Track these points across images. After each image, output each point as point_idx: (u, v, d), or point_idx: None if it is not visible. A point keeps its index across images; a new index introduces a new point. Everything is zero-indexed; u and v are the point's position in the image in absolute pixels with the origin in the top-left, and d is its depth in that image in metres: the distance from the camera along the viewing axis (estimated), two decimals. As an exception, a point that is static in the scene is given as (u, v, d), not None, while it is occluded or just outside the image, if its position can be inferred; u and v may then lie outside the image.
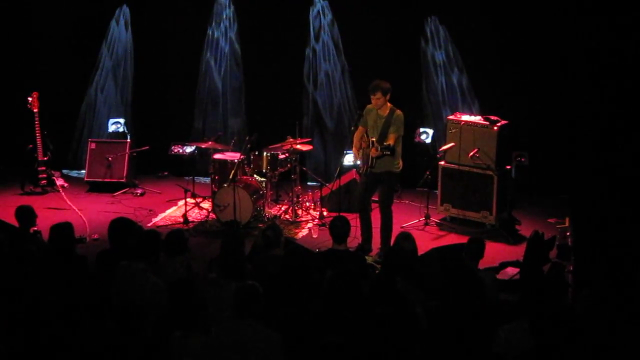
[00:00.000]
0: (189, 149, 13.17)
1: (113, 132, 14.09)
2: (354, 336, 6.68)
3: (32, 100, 13.01)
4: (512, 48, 12.95)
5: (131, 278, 7.81)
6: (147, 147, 13.63)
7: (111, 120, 14.18)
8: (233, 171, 11.73)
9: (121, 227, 8.47)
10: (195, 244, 11.13)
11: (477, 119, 12.06)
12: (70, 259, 8.23)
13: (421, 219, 12.05)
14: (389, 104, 10.59)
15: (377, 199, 10.98)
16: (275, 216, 12.22)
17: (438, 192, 12.21)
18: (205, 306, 7.04)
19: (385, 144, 10.32)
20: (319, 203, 12.46)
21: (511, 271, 9.41)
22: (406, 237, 8.75)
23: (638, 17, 11.82)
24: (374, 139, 10.44)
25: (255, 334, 6.61)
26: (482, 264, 8.64)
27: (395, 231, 10.33)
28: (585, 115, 12.40)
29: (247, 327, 6.63)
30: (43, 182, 13.19)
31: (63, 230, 8.48)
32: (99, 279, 8.14)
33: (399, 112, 10.58)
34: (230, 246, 8.23)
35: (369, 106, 10.69)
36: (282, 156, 12.28)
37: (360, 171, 10.90)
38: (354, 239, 10.38)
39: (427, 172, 12.03)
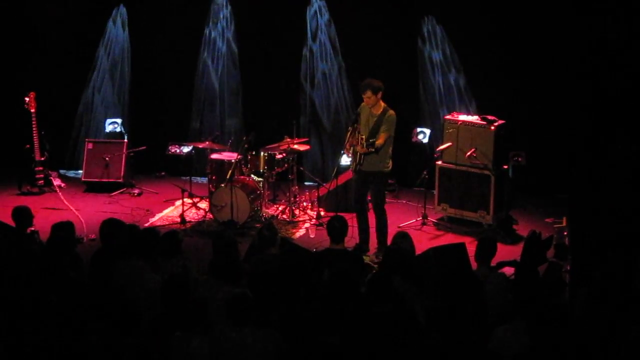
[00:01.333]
0: (186, 149, 13.16)
1: (110, 132, 14.08)
2: (351, 335, 6.68)
3: (29, 101, 12.99)
4: (509, 48, 12.95)
5: (131, 276, 7.81)
6: (144, 147, 13.63)
7: (108, 121, 14.17)
8: (230, 171, 11.74)
9: (110, 228, 8.47)
10: (193, 244, 11.15)
11: (474, 118, 12.06)
12: (69, 258, 8.22)
13: (418, 219, 12.05)
14: (382, 103, 10.60)
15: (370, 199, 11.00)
16: (272, 216, 12.22)
17: (435, 191, 12.21)
18: (205, 306, 7.02)
19: (370, 140, 10.35)
20: (316, 203, 12.45)
21: (508, 271, 9.40)
22: (403, 236, 8.76)
23: (636, 17, 11.84)
24: (363, 137, 10.46)
25: (255, 339, 6.62)
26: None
27: (393, 230, 10.34)
28: (583, 115, 12.42)
29: (246, 334, 6.65)
30: (40, 182, 13.18)
31: (64, 229, 8.49)
32: (94, 278, 8.14)
33: (391, 112, 10.59)
34: (221, 248, 8.22)
35: (363, 104, 10.71)
36: (279, 156, 12.28)
37: (352, 168, 10.89)
38: (351, 238, 10.37)
39: (425, 172, 12.02)
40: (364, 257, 10.30)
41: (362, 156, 10.52)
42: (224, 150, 12.51)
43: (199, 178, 13.44)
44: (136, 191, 13.39)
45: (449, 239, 11.43)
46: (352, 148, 10.67)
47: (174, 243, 8.32)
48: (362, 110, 10.70)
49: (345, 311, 7.02)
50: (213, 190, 12.08)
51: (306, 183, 13.56)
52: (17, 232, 9.23)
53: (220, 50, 14.16)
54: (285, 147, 12.19)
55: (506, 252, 10.34)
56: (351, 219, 10.18)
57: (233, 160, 11.92)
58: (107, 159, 13.48)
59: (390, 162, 10.68)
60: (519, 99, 12.90)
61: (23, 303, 7.09)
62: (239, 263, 8.23)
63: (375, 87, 10.50)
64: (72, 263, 8.15)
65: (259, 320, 6.89)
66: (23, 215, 9.35)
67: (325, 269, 7.97)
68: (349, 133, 10.75)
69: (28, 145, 13.12)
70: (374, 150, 10.39)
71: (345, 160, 12.60)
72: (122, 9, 14.23)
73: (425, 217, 12.06)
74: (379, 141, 10.44)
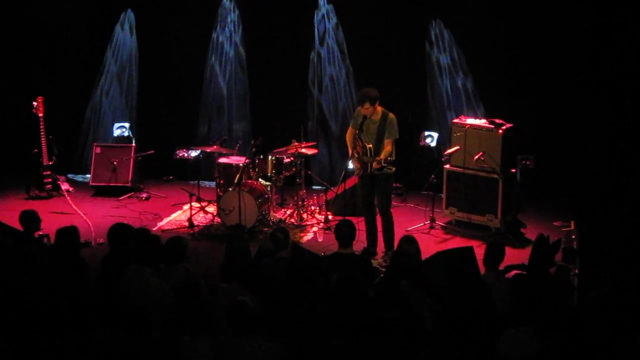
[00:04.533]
0: (194, 153, 13.16)
1: (118, 136, 14.10)
2: (359, 340, 6.67)
3: (37, 105, 13.03)
4: (517, 51, 12.94)
5: (139, 282, 7.81)
6: (152, 152, 13.64)
7: (116, 125, 14.19)
8: (238, 175, 11.74)
9: (119, 234, 8.46)
10: (201, 248, 11.16)
11: (482, 122, 12.05)
12: (73, 262, 8.22)
13: (426, 223, 12.03)
14: (380, 108, 10.58)
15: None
16: (280, 220, 12.21)
17: (443, 195, 12.19)
18: (213, 310, 7.02)
19: (388, 158, 10.32)
20: (324, 207, 12.44)
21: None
22: (409, 241, 8.74)
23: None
24: (370, 146, 10.43)
25: (255, 349, 6.60)
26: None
27: (401, 234, 10.31)
28: (590, 118, 12.41)
29: (247, 343, 6.63)
30: (48, 186, 13.20)
31: (68, 234, 8.49)
32: (103, 283, 8.14)
33: (391, 115, 10.58)
34: (236, 254, 8.20)
35: (358, 109, 10.71)
36: (287, 160, 12.28)
37: (357, 173, 10.87)
38: (357, 242, 10.31)
39: (432, 176, 12.01)
40: (372, 261, 10.29)
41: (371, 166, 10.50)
42: (231, 155, 12.51)
43: (206, 182, 13.45)
44: (144, 195, 13.41)
45: (456, 242, 11.42)
46: (357, 156, 10.63)
47: (179, 249, 8.28)
48: (358, 114, 10.68)
49: (353, 315, 7.01)
50: (221, 194, 12.09)
51: (314, 187, 13.54)
52: (25, 236, 9.24)
53: (227, 55, 14.18)
54: (293, 151, 12.19)
55: (514, 255, 10.33)
56: (358, 223, 10.16)
57: (241, 164, 11.92)
58: (115, 163, 13.50)
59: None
60: (526, 102, 12.87)
61: (29, 307, 7.09)
62: (254, 269, 8.20)
63: (373, 97, 10.49)
64: (77, 268, 8.15)
65: (270, 324, 6.89)
66: (30, 219, 9.36)
67: (333, 273, 7.95)
68: (348, 138, 10.77)
69: (36, 150, 13.15)
70: (393, 169, 10.40)
71: (352, 164, 12.60)
72: (130, 14, 14.26)
73: (433, 220, 12.05)
74: (387, 148, 10.44)
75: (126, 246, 8.26)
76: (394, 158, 10.50)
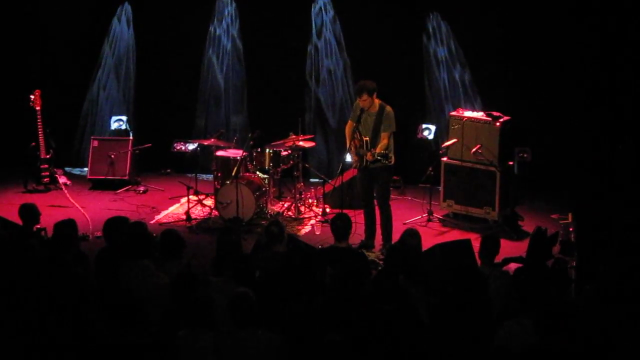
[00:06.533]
0: (191, 146, 13.16)
1: (115, 129, 14.09)
2: (356, 333, 6.68)
3: (34, 98, 13.02)
4: (514, 44, 12.94)
5: (137, 275, 7.81)
6: (149, 145, 13.63)
7: (113, 118, 14.18)
8: (235, 168, 11.74)
9: (113, 227, 8.46)
10: (198, 242, 11.16)
11: (479, 115, 12.06)
12: (73, 255, 8.21)
13: (424, 215, 12.04)
14: (377, 101, 10.57)
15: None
16: (277, 213, 12.22)
17: (441, 188, 12.20)
18: (211, 303, 7.01)
19: (383, 151, 10.31)
20: (321, 200, 12.45)
21: (514, 267, 9.39)
22: (412, 234, 8.74)
23: (638, 15, 11.84)
24: (367, 139, 10.43)
25: (256, 341, 6.61)
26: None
27: (398, 227, 10.32)
28: (588, 111, 12.41)
29: (248, 335, 6.63)
30: (46, 180, 13.20)
31: (67, 227, 8.49)
32: (100, 277, 8.14)
33: (389, 108, 10.57)
34: (227, 247, 8.18)
35: (357, 102, 10.70)
36: (284, 153, 12.28)
37: (354, 166, 10.88)
38: (354, 234, 10.31)
39: (430, 169, 12.02)
40: (370, 254, 10.30)
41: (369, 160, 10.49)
42: (229, 148, 12.51)
43: (204, 175, 13.44)
44: (142, 188, 13.41)
45: (454, 235, 11.42)
46: (355, 149, 10.64)
47: (176, 243, 8.25)
48: (357, 107, 10.68)
49: (350, 309, 7.01)
50: (218, 187, 12.09)
51: (312, 180, 13.56)
52: (24, 230, 9.23)
53: (225, 48, 14.17)
54: (290, 144, 12.19)
55: (512, 248, 10.34)
56: (355, 216, 10.16)
57: (238, 158, 11.92)
58: (112, 156, 13.50)
59: (393, 157, 10.65)
60: (524, 94, 12.88)
61: (28, 301, 7.09)
62: (246, 262, 8.19)
63: (371, 89, 10.48)
64: (76, 260, 8.14)
65: (266, 318, 6.88)
66: (29, 212, 9.34)
67: (328, 266, 7.95)
68: (347, 131, 10.76)
69: (34, 143, 13.15)
70: (386, 161, 10.38)
71: (350, 156, 12.60)
72: (127, 6, 14.25)
73: (430, 213, 12.05)
74: (384, 142, 10.43)
75: (122, 239, 8.25)
76: (390, 151, 10.50)
